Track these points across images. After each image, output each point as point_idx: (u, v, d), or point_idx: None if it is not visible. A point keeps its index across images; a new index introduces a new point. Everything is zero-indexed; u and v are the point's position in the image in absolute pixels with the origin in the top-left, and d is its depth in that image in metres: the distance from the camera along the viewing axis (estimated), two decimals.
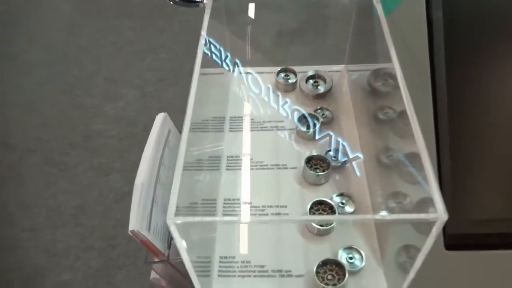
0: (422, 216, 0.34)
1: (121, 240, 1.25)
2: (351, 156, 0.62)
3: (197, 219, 0.34)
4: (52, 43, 1.84)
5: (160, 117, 0.66)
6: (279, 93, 0.56)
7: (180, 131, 0.71)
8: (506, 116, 0.54)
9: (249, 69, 0.69)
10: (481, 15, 0.57)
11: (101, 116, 1.53)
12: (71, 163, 1.41)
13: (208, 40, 0.58)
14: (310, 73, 0.66)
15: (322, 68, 0.69)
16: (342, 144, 0.62)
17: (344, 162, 0.57)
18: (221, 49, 0.60)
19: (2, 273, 1.20)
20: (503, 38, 0.59)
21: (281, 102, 0.56)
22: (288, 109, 0.57)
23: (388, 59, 0.52)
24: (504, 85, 0.56)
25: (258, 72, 0.68)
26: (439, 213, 0.33)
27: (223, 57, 0.61)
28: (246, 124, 0.63)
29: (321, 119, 0.61)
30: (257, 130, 0.62)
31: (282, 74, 0.67)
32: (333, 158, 0.57)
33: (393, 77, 0.55)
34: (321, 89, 0.65)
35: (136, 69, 1.68)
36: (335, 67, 0.70)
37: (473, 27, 0.57)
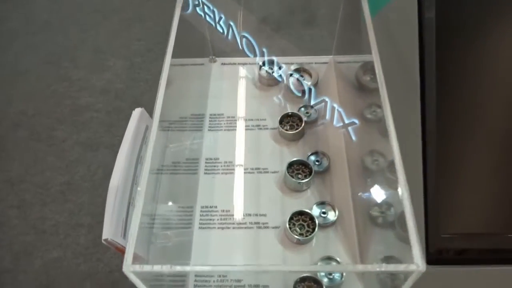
0: (402, 268, 0.32)
1: None
2: (346, 121, 0.60)
3: (158, 268, 0.32)
4: (35, 11, 1.76)
5: (136, 113, 0.63)
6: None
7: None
8: (494, 127, 0.51)
9: (230, 60, 0.66)
10: (474, 11, 0.53)
11: (88, 88, 1.49)
12: (58, 137, 1.38)
13: (201, 1, 0.53)
14: (295, 66, 0.62)
15: (309, 60, 0.65)
16: (337, 110, 0.60)
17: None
18: (215, 9, 0.56)
19: None
20: (496, 32, 0.55)
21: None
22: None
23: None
24: (492, 89, 0.53)
25: (240, 63, 0.65)
26: (417, 264, 0.31)
27: (217, 19, 0.56)
28: (227, 123, 0.60)
29: (304, 118, 0.58)
30: (238, 129, 0.59)
31: (266, 67, 0.63)
32: (315, 163, 0.55)
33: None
34: (307, 85, 0.61)
35: (123, 39, 1.62)
36: (322, 58, 0.66)
37: (465, 23, 0.53)
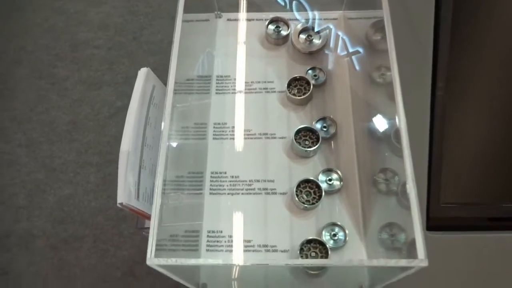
0: (404, 262, 0.34)
1: (117, 156, 1.27)
2: (350, 50, 0.61)
3: (176, 260, 0.34)
4: None
5: (142, 73, 0.62)
6: None
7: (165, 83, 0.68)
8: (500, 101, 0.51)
9: (237, 15, 0.64)
10: None
11: (86, 23, 1.44)
12: (60, 75, 1.37)
13: None
14: (304, 25, 0.61)
15: (317, 16, 0.63)
16: (342, 38, 0.60)
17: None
18: None
19: (5, 188, 1.24)
20: None
21: None
22: None
23: None
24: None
25: (247, 19, 0.63)
26: (420, 259, 0.33)
27: None
28: (234, 85, 0.59)
29: (312, 82, 0.58)
30: (245, 93, 0.59)
31: (273, 26, 0.61)
32: (323, 129, 0.56)
33: None
34: (315, 45, 0.60)
35: None
36: (332, 14, 0.64)
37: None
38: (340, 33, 0.64)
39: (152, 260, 0.34)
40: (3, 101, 1.34)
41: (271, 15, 0.62)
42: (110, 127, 1.31)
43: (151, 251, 0.35)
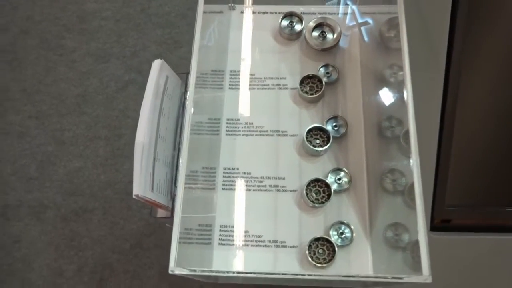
0: (412, 279, 0.36)
1: (126, 130, 1.29)
2: (360, 20, 0.62)
3: (199, 271, 0.36)
4: None
5: (156, 65, 0.62)
6: None
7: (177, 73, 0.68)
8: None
9: (251, 7, 0.64)
10: None
11: None
12: (68, 47, 1.37)
13: None
14: (317, 21, 0.61)
15: (331, 10, 0.63)
16: (351, 7, 0.61)
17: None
18: None
19: (16, 159, 1.27)
20: None
21: None
22: None
23: None
24: None
25: (260, 12, 0.63)
26: (425, 276, 0.35)
27: None
28: (247, 81, 0.60)
29: (324, 79, 0.58)
30: (258, 89, 0.60)
31: (287, 21, 0.61)
32: (334, 128, 0.57)
33: None
34: (328, 42, 0.60)
35: None
36: (346, 9, 0.63)
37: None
38: (349, 2, 0.64)
39: (175, 269, 0.37)
40: (13, 72, 1.35)
41: (285, 8, 0.62)
42: (118, 101, 1.32)
43: (174, 261, 0.37)
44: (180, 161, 0.44)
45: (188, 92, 0.51)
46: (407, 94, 0.51)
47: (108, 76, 1.34)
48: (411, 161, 0.49)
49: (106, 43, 1.36)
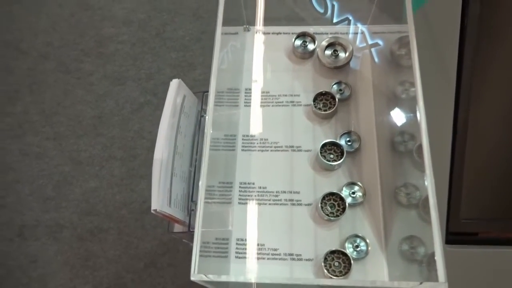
0: (429, 285, 0.37)
1: (141, 150, 1.31)
2: (370, 42, 0.63)
3: (216, 277, 0.38)
4: None
5: (174, 84, 0.65)
6: None
7: (193, 92, 0.71)
8: None
9: (265, 28, 0.66)
10: None
11: (110, 18, 1.48)
12: (86, 70, 1.41)
13: None
14: (330, 40, 0.63)
15: (343, 30, 0.65)
16: (361, 29, 0.63)
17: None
18: None
19: (34, 180, 1.30)
20: None
21: None
22: None
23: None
24: None
25: (274, 33, 0.65)
26: (441, 282, 0.36)
27: None
28: (262, 98, 0.62)
29: (337, 96, 0.60)
30: (273, 106, 0.62)
31: (300, 40, 0.64)
32: (347, 143, 0.58)
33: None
34: (340, 60, 0.62)
35: None
36: (357, 28, 0.66)
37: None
38: (359, 24, 0.66)
39: (196, 276, 0.38)
40: (32, 95, 1.39)
41: (297, 29, 0.65)
42: (133, 122, 1.35)
43: (194, 267, 0.38)
44: (201, 176, 0.46)
45: (207, 110, 0.53)
46: (420, 110, 0.52)
47: (124, 98, 1.37)
48: (425, 174, 0.50)
49: (123, 66, 1.40)
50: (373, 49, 0.64)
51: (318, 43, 0.63)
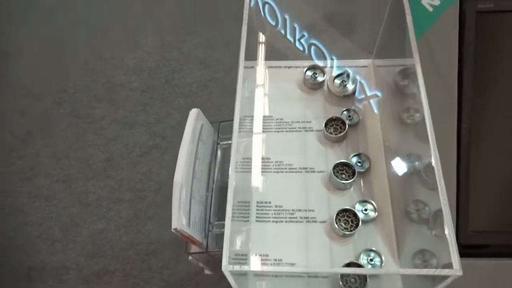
0: (442, 272, 0.39)
1: (149, 192, 1.34)
2: (369, 94, 0.67)
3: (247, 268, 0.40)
4: None
5: (193, 113, 0.69)
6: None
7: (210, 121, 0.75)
8: None
9: (277, 63, 0.71)
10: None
11: (122, 67, 1.55)
12: (97, 115, 1.46)
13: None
14: (338, 71, 0.68)
15: (349, 63, 0.70)
16: (360, 81, 0.67)
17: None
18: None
19: (43, 221, 1.31)
20: None
21: (297, 36, 0.62)
22: (305, 43, 0.63)
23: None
24: None
25: (286, 67, 0.71)
26: (456, 270, 0.38)
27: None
28: (276, 125, 0.66)
29: (347, 122, 0.64)
30: (286, 131, 0.66)
31: (310, 72, 0.69)
32: (358, 164, 0.62)
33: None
34: (349, 89, 0.67)
35: (155, 16, 1.66)
36: (362, 62, 0.71)
37: (504, 47, 0.58)
38: (358, 77, 0.71)
39: (227, 267, 0.40)
40: (43, 138, 1.43)
41: (307, 63, 0.70)
42: (142, 165, 1.38)
43: (226, 259, 0.41)
44: (228, 194, 0.49)
45: (232, 134, 0.56)
46: (429, 133, 0.54)
47: (133, 141, 1.41)
48: (439, 195, 0.51)
49: (133, 111, 1.46)
50: (376, 78, 0.70)
51: (327, 74, 0.68)
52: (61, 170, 1.38)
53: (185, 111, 1.46)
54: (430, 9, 0.62)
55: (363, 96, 0.66)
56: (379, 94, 0.70)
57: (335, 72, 0.67)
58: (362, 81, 0.69)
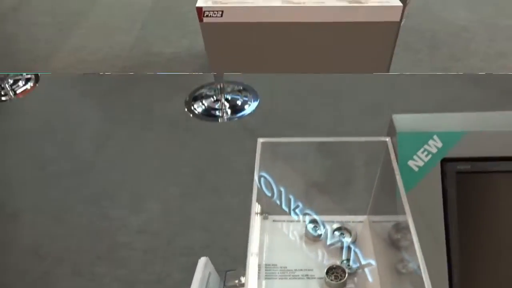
0: None
1: None
2: (363, 262, 0.71)
3: None
4: (80, 153, 1.98)
5: (202, 262, 0.74)
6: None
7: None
8: None
9: (280, 217, 0.79)
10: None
11: (126, 228, 1.62)
12: (98, 273, 1.47)
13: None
14: (336, 225, 0.76)
15: (346, 219, 0.79)
16: (354, 251, 0.71)
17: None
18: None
19: None
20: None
21: (293, 206, 0.70)
22: (300, 213, 0.72)
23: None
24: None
25: (288, 220, 0.79)
26: None
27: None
28: (279, 272, 0.71)
29: (347, 270, 0.70)
30: (290, 278, 0.70)
31: (311, 225, 0.77)
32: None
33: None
34: (347, 241, 0.74)
35: (160, 182, 1.80)
36: (358, 218, 0.80)
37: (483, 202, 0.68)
38: (352, 245, 0.79)
39: None
40: None
41: (307, 217, 0.78)
42: None
43: None
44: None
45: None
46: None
47: None
48: None
49: (134, 271, 1.48)
50: (372, 232, 0.77)
51: (327, 227, 0.76)
52: None
53: (185, 271, 1.48)
54: (416, 169, 0.73)
55: (357, 265, 0.72)
56: (373, 262, 0.76)
57: (334, 226, 0.75)
58: (357, 250, 0.74)
